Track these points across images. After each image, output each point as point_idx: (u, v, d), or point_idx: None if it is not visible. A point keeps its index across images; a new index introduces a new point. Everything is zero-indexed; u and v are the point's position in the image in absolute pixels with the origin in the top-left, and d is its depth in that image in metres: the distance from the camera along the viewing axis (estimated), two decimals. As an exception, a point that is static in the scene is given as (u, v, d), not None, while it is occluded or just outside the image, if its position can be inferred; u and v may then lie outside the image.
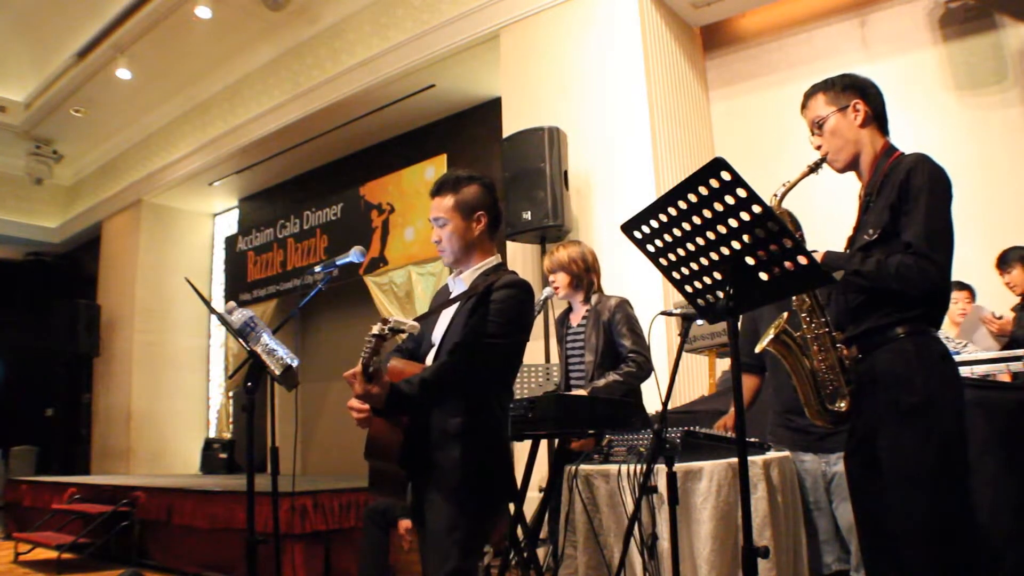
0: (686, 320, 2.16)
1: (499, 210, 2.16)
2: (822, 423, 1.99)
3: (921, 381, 1.76)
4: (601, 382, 2.98)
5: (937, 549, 1.71)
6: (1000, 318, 4.07)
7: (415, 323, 1.78)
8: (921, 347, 1.79)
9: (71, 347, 9.21)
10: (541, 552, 3.09)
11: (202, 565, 4.77)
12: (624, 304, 3.14)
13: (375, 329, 1.74)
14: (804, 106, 2.05)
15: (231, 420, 9.04)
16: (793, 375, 2.00)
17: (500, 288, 1.99)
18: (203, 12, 6.65)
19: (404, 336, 1.92)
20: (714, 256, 1.66)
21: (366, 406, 1.89)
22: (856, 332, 1.90)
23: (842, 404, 1.94)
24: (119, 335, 9.24)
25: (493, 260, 2.14)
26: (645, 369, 3.02)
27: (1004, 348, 3.69)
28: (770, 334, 1.97)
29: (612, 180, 4.85)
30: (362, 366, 1.77)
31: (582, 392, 2.97)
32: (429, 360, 2.05)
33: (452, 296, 2.11)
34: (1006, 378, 3.08)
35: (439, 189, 2.11)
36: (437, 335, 2.08)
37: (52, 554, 5.25)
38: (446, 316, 2.08)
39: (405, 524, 3.67)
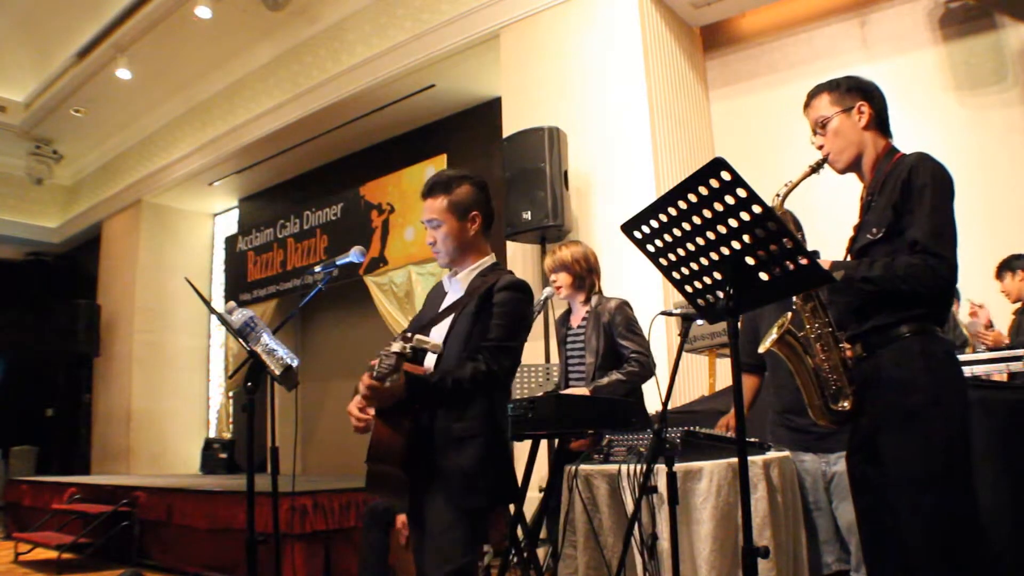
0: (686, 320, 2.16)
1: (492, 209, 2.16)
2: (825, 423, 1.99)
3: (925, 381, 1.76)
4: (604, 381, 2.97)
5: (940, 550, 1.70)
6: (991, 328, 4.01)
7: (438, 343, 1.82)
8: (926, 347, 1.79)
9: (71, 347, 9.22)
10: (541, 552, 3.09)
11: (202, 565, 4.77)
12: (624, 305, 3.14)
13: (396, 347, 1.73)
14: (807, 105, 2.04)
15: (231, 420, 9.04)
16: (796, 375, 2.00)
17: (501, 290, 2.01)
18: (203, 12, 6.65)
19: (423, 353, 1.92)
20: (714, 256, 1.66)
21: (366, 416, 1.91)
22: (860, 330, 1.90)
23: (845, 404, 1.94)
24: (119, 335, 9.24)
25: (488, 260, 2.14)
26: (648, 369, 3.02)
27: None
28: (773, 334, 1.97)
29: (612, 180, 4.85)
30: (377, 380, 1.77)
31: (584, 391, 2.96)
32: (429, 363, 2.03)
33: (449, 297, 2.11)
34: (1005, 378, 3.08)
35: (430, 190, 2.10)
36: (436, 337, 2.06)
37: (52, 554, 5.25)
38: (446, 319, 2.07)
39: (402, 518, 3.67)
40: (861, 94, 1.97)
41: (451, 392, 1.88)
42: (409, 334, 1.77)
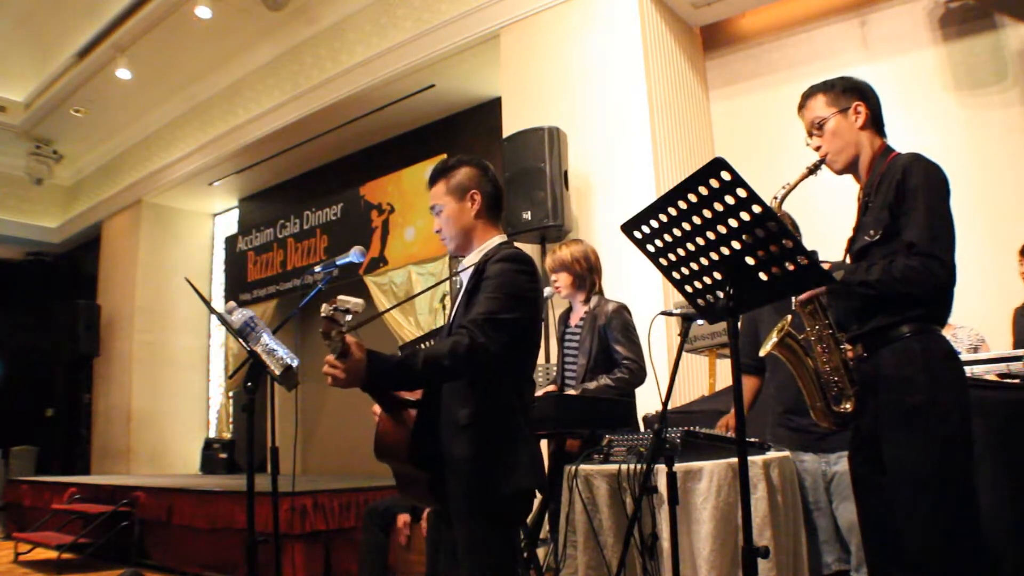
0: (686, 320, 2.16)
1: (497, 188, 2.07)
2: (828, 424, 1.99)
3: (925, 381, 1.76)
4: (592, 385, 2.96)
5: (940, 549, 1.71)
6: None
7: (359, 300, 1.66)
8: (926, 346, 1.79)
9: (71, 347, 9.21)
10: (541, 552, 3.09)
11: (202, 565, 4.77)
12: (622, 310, 3.10)
13: (322, 311, 1.63)
14: (802, 106, 2.05)
15: (231, 420, 9.04)
16: (798, 378, 1.99)
17: (494, 263, 1.89)
18: (203, 12, 6.65)
19: (351, 315, 1.68)
20: (714, 256, 1.66)
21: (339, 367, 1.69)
22: (861, 331, 1.90)
23: (847, 405, 1.94)
24: (119, 335, 9.23)
25: (496, 239, 2.02)
26: (638, 376, 2.99)
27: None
28: (773, 337, 1.97)
29: (612, 180, 4.85)
30: (332, 354, 1.63)
31: (572, 393, 2.96)
32: None
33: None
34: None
35: (432, 179, 2.07)
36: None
37: (52, 554, 5.25)
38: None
39: (404, 518, 3.67)
40: (857, 94, 1.97)
41: (423, 370, 1.70)
42: (336, 298, 1.69)
